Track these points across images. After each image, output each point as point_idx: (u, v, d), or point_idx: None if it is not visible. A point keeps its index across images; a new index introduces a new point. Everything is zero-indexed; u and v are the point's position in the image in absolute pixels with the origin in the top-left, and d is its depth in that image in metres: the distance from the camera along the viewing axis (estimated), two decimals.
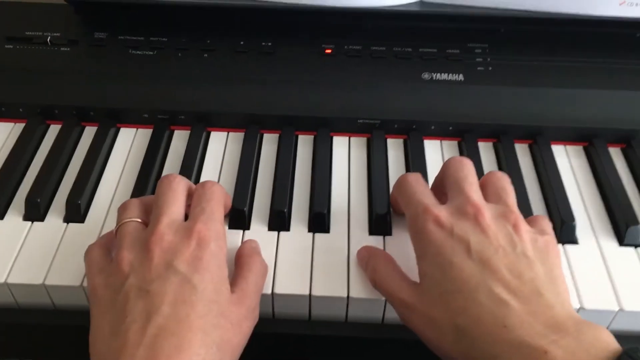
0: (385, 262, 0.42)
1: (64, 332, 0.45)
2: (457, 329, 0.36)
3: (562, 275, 0.38)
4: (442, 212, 0.39)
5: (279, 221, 0.47)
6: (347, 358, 0.46)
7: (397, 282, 0.40)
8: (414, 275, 0.42)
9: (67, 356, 0.47)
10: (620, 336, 0.37)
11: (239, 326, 0.38)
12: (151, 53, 0.57)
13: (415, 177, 0.43)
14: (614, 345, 0.33)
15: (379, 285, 0.42)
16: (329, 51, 0.57)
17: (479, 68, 0.56)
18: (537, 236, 0.39)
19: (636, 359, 0.31)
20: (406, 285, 0.40)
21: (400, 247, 0.46)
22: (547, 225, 0.41)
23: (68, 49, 0.57)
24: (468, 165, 0.43)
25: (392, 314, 0.43)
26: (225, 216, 0.46)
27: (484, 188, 0.42)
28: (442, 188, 0.43)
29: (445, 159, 0.53)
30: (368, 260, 0.43)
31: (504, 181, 0.42)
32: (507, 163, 0.52)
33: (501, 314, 0.35)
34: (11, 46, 0.57)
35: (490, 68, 0.56)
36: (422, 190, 0.42)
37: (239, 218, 0.47)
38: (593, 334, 0.34)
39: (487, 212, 0.39)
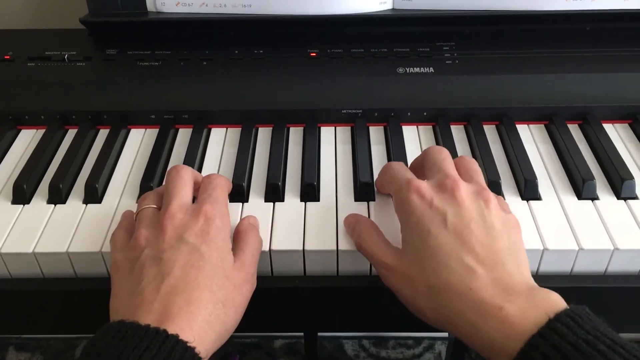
0: (369, 228, 0.47)
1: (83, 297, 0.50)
2: (430, 288, 0.41)
3: (523, 250, 0.43)
4: (423, 184, 0.44)
5: (274, 193, 0.52)
6: (340, 307, 0.51)
7: (379, 246, 0.45)
8: (394, 235, 0.47)
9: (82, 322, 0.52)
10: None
11: (240, 288, 0.43)
12: (156, 64, 0.64)
13: (398, 163, 0.49)
14: (561, 304, 0.38)
15: (363, 249, 0.46)
16: (313, 54, 0.64)
17: (447, 62, 0.63)
18: (503, 213, 0.43)
19: (574, 316, 0.36)
20: (388, 249, 0.45)
21: (383, 210, 0.51)
22: (506, 206, 0.48)
23: (83, 64, 0.64)
24: (445, 151, 0.48)
25: None
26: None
27: (457, 168, 0.47)
28: (421, 170, 0.49)
29: (422, 141, 0.59)
30: (354, 227, 0.48)
31: (474, 164, 0.48)
32: (477, 142, 0.58)
33: (468, 278, 0.39)
34: (33, 64, 0.64)
35: (457, 62, 0.63)
36: (404, 170, 0.47)
37: (238, 192, 0.52)
38: (543, 295, 0.38)
39: (463, 186, 0.44)
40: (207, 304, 0.40)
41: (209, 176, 0.49)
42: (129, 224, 0.48)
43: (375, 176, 0.54)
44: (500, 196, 0.48)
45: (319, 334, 1.18)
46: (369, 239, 0.46)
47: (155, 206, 0.47)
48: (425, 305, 0.42)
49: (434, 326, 0.42)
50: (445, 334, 1.27)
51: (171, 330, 0.37)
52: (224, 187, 0.49)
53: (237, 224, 0.49)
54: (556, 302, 0.38)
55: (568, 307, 0.37)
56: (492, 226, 0.42)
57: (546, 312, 0.36)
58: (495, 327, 0.37)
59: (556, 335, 0.35)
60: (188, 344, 0.37)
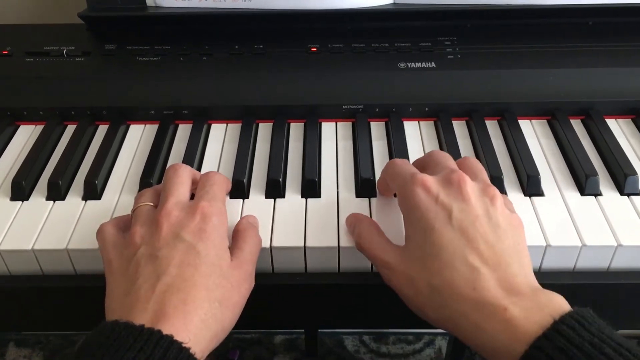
0: (369, 228, 0.46)
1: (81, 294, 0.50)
2: (432, 288, 0.40)
3: (526, 249, 0.42)
4: (429, 178, 0.43)
5: (275, 189, 0.52)
6: (341, 304, 0.51)
7: (379, 245, 0.45)
8: (395, 233, 0.47)
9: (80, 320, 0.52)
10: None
11: (238, 287, 0.43)
12: (156, 59, 0.63)
13: (401, 160, 0.48)
14: (565, 306, 0.37)
15: (363, 249, 0.46)
16: (314, 49, 0.64)
17: (449, 57, 0.62)
18: (508, 212, 0.42)
19: (580, 319, 0.36)
20: (388, 247, 0.44)
21: (384, 207, 0.51)
22: (510, 204, 0.46)
23: (82, 59, 0.64)
24: (448, 154, 0.48)
25: None
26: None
27: (460, 169, 0.46)
28: (423, 171, 0.48)
29: (423, 136, 0.59)
30: (354, 227, 0.47)
31: (477, 163, 0.47)
32: (479, 138, 0.57)
33: (472, 278, 0.39)
34: (31, 59, 0.64)
35: (459, 56, 0.63)
36: (408, 165, 0.47)
37: (239, 188, 0.52)
38: (548, 297, 0.38)
39: (469, 182, 0.43)
40: (203, 303, 0.40)
41: (206, 174, 0.49)
42: (119, 220, 0.48)
43: (377, 172, 0.54)
44: (504, 194, 0.48)
45: (319, 330, 1.18)
46: (369, 238, 0.46)
47: (152, 204, 0.47)
48: (427, 305, 0.41)
49: (435, 326, 0.42)
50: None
51: (166, 330, 0.37)
52: (222, 184, 0.48)
53: (237, 223, 0.48)
54: (560, 304, 0.38)
55: (573, 310, 0.37)
56: (497, 224, 0.41)
57: (551, 314, 0.36)
58: (499, 328, 0.37)
59: (562, 337, 0.34)
60: (183, 344, 0.36)
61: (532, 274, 0.41)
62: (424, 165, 0.48)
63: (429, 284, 0.40)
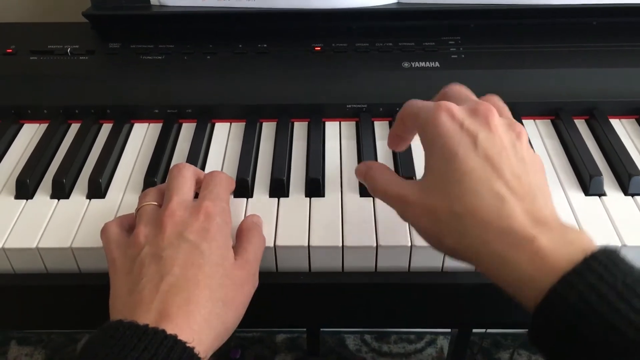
0: (382, 169, 0.45)
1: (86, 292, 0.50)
2: (454, 215, 0.38)
3: (549, 190, 0.40)
4: (454, 105, 0.41)
5: (279, 188, 0.52)
6: (345, 303, 0.51)
7: (395, 182, 0.43)
8: (398, 229, 0.47)
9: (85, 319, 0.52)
10: None
11: (241, 287, 0.43)
12: (160, 58, 0.63)
13: (418, 100, 0.45)
14: (593, 244, 0.35)
15: (378, 190, 0.44)
16: (318, 49, 0.64)
17: (452, 56, 0.62)
18: (532, 151, 0.41)
19: (612, 256, 0.34)
20: (405, 182, 0.42)
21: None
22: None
23: (86, 57, 0.64)
24: (468, 89, 0.45)
25: (383, 263, 0.48)
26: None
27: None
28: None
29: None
30: (366, 173, 0.45)
31: (501, 101, 0.45)
32: None
33: (497, 206, 0.36)
34: (35, 58, 0.64)
35: (463, 56, 0.63)
36: (429, 102, 0.44)
37: (243, 187, 0.52)
38: (576, 234, 0.36)
39: (496, 115, 0.40)
40: (206, 302, 0.40)
41: (210, 173, 0.49)
42: (123, 219, 0.48)
43: None
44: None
45: (321, 329, 1.18)
46: (383, 178, 0.44)
47: (155, 203, 0.46)
48: (445, 233, 0.39)
49: (453, 257, 0.40)
50: (448, 329, 1.27)
51: (170, 329, 0.37)
52: (225, 184, 0.48)
53: (241, 222, 0.48)
54: (590, 242, 0.36)
55: (604, 247, 0.35)
56: (523, 159, 0.39)
57: (582, 249, 0.34)
58: (526, 259, 0.35)
59: (594, 274, 0.33)
60: (187, 344, 0.36)
61: (556, 210, 0.39)
62: (444, 99, 0.45)
63: (450, 211, 0.38)
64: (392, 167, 0.55)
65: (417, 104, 0.44)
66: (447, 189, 0.38)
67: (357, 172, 0.47)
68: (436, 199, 0.39)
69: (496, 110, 0.42)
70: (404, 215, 0.42)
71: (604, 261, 0.33)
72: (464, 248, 0.38)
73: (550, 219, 0.37)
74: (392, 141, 0.49)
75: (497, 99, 0.45)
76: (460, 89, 0.45)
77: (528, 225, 0.36)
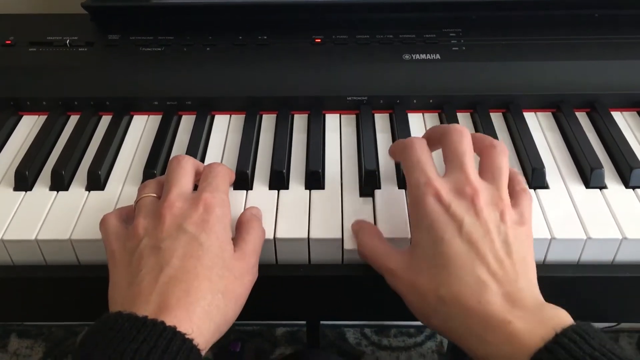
0: (370, 234, 0.46)
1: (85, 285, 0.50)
2: (439, 299, 0.40)
3: (533, 262, 0.42)
4: (443, 187, 0.42)
5: (279, 181, 0.52)
6: (344, 296, 0.51)
7: (383, 251, 0.45)
8: (399, 225, 0.47)
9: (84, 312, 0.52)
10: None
11: (241, 279, 0.43)
12: (159, 49, 0.63)
13: (421, 144, 0.46)
14: (568, 320, 0.38)
15: (366, 257, 0.46)
16: (318, 40, 0.63)
17: (453, 48, 0.62)
18: (517, 226, 0.42)
19: (581, 332, 0.35)
20: (393, 254, 0.44)
21: (387, 198, 0.50)
22: (528, 207, 0.44)
23: (85, 49, 0.63)
24: (467, 138, 0.45)
25: None
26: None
27: (481, 159, 0.45)
28: (435, 142, 0.47)
29: (428, 129, 0.58)
30: (356, 235, 0.47)
31: (502, 159, 0.44)
32: (483, 130, 0.57)
33: (478, 292, 0.39)
34: (34, 49, 0.64)
35: (463, 48, 0.62)
36: (425, 160, 0.44)
37: (242, 179, 0.52)
38: (552, 312, 0.38)
39: (483, 195, 0.42)
40: (206, 294, 0.40)
41: (210, 165, 0.48)
42: (122, 211, 0.48)
43: (381, 164, 0.54)
44: (529, 192, 0.45)
45: (321, 322, 1.18)
46: (372, 247, 0.45)
47: (155, 195, 0.46)
48: (431, 315, 0.41)
49: (438, 334, 0.42)
50: None
51: (169, 321, 0.37)
52: (225, 175, 0.48)
53: (240, 214, 0.48)
54: (564, 319, 0.38)
55: (575, 323, 0.37)
56: (506, 240, 0.41)
57: (554, 328, 0.36)
58: (503, 340, 0.37)
59: (563, 350, 0.35)
60: (186, 336, 0.36)
61: (537, 288, 0.41)
62: (438, 141, 0.47)
63: (436, 295, 0.40)
64: (392, 164, 0.54)
65: (412, 162, 0.44)
66: (433, 272, 0.41)
67: (352, 229, 0.48)
68: (423, 280, 0.41)
69: (491, 174, 0.43)
70: (392, 285, 0.44)
71: (573, 337, 0.35)
72: (448, 329, 0.41)
73: (527, 300, 0.39)
74: (392, 155, 0.51)
75: (497, 160, 0.44)
76: (458, 145, 0.44)
77: (506, 310, 0.38)
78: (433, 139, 0.47)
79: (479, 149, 0.46)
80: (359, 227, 0.47)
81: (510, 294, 0.39)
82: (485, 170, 0.44)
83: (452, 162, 0.44)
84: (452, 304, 0.39)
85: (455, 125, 0.46)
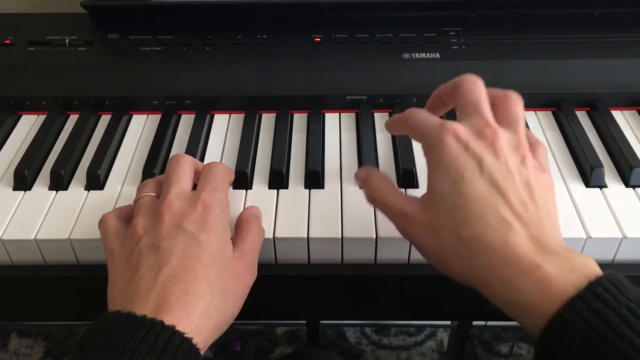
0: (382, 179, 0.45)
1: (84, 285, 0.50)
2: (460, 241, 0.38)
3: (556, 210, 0.41)
4: (459, 126, 0.40)
5: (278, 180, 0.52)
6: (344, 295, 0.50)
7: (396, 195, 0.43)
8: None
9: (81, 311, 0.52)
10: None
11: (240, 278, 0.43)
12: (158, 49, 0.63)
13: (420, 109, 0.44)
14: (597, 270, 0.36)
15: (378, 201, 0.44)
16: (318, 40, 0.63)
17: (453, 47, 0.62)
18: (539, 172, 0.40)
19: (616, 282, 0.34)
20: (408, 198, 0.42)
21: None
22: (545, 159, 0.43)
23: (84, 48, 0.63)
24: (481, 86, 0.43)
25: (383, 255, 0.48)
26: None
27: (496, 109, 0.43)
28: (447, 98, 0.46)
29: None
30: (365, 180, 0.45)
31: (518, 108, 0.43)
32: None
33: (504, 233, 0.37)
34: (33, 49, 0.64)
35: (464, 47, 0.62)
36: (432, 116, 0.43)
37: (242, 178, 0.52)
38: (581, 259, 0.37)
39: (502, 137, 0.40)
40: (205, 293, 0.39)
41: (209, 164, 0.48)
42: (121, 210, 0.48)
43: (380, 163, 0.53)
44: (542, 144, 0.44)
45: (321, 321, 1.18)
46: (383, 190, 0.43)
47: (154, 194, 0.46)
48: (451, 258, 0.39)
49: (456, 280, 0.40)
50: (448, 322, 1.27)
51: (168, 320, 0.37)
52: (224, 175, 0.48)
53: (240, 213, 0.48)
54: (594, 267, 0.36)
55: (608, 272, 0.36)
56: (528, 183, 0.39)
57: (586, 276, 0.35)
58: (532, 285, 0.36)
59: (598, 299, 0.33)
60: (185, 335, 0.36)
61: (561, 235, 0.40)
62: (449, 96, 0.45)
63: (456, 236, 0.38)
64: (391, 157, 0.54)
65: (419, 119, 0.43)
66: (452, 212, 0.39)
67: (357, 177, 0.47)
68: (441, 220, 0.39)
69: (508, 121, 0.41)
70: (404, 232, 0.42)
71: (608, 286, 0.34)
72: (470, 273, 0.39)
73: (555, 245, 0.37)
74: (389, 129, 0.49)
75: (513, 108, 0.43)
76: (471, 92, 0.43)
77: (534, 252, 0.37)
78: (444, 95, 0.46)
79: (492, 100, 0.43)
80: (367, 174, 0.45)
81: (537, 237, 0.37)
82: (502, 118, 0.42)
83: (466, 108, 0.42)
84: (474, 245, 0.38)
85: (468, 74, 0.44)
